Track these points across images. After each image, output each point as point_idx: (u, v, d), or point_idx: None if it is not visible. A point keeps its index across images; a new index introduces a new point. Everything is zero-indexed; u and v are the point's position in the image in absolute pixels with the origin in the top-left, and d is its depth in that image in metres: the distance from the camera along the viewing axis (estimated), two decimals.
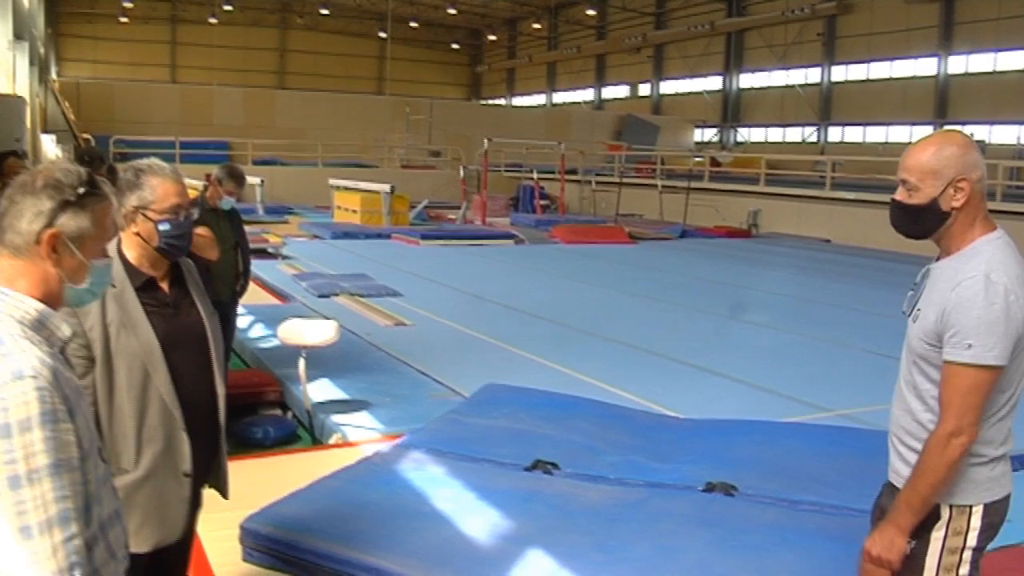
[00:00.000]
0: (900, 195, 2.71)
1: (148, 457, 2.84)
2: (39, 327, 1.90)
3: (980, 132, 36.41)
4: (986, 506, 2.66)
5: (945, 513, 2.66)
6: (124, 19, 60.00)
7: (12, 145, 10.23)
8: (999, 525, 2.71)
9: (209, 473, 3.14)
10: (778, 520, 4.40)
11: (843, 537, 4.25)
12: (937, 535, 2.67)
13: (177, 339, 2.94)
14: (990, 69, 37.88)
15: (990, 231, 2.65)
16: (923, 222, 2.68)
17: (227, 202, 6.38)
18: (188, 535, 3.08)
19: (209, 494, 3.21)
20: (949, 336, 2.55)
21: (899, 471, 2.78)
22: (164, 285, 3.01)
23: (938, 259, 2.75)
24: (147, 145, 29.08)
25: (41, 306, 1.92)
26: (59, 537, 1.74)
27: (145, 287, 2.94)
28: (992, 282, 2.52)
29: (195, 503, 3.07)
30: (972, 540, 2.67)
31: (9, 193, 1.93)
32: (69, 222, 1.93)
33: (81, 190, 1.96)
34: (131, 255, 2.96)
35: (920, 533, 2.67)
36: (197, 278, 3.17)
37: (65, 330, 1.96)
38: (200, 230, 6.14)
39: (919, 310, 2.71)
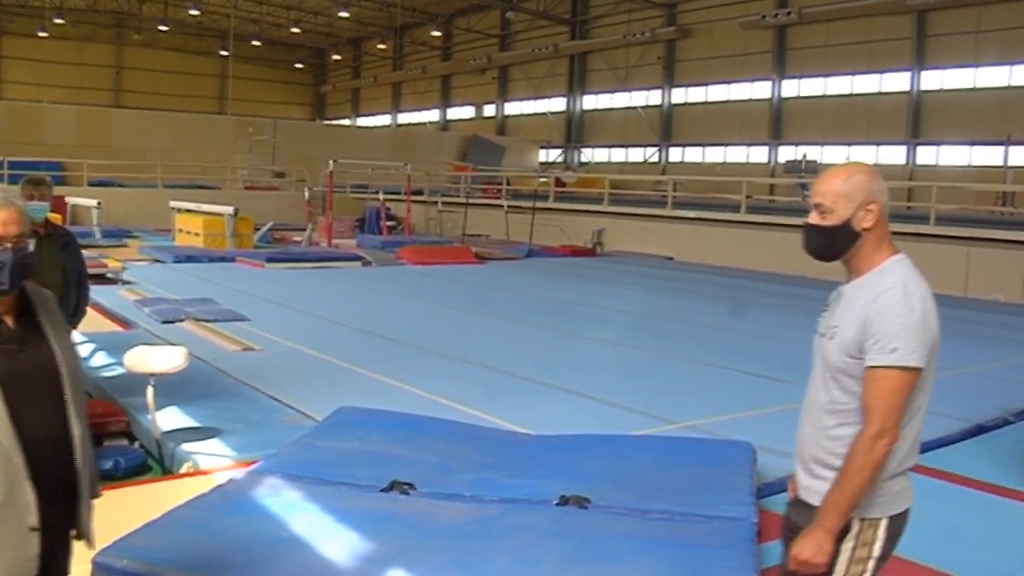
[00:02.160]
0: (813, 219, 2.90)
1: None
2: None
3: (812, 152, 38.15)
4: (891, 519, 2.87)
5: (855, 526, 2.85)
6: None
7: None
8: (900, 536, 2.92)
9: (70, 522, 2.88)
10: (631, 529, 4.55)
11: (692, 542, 4.44)
12: (847, 546, 2.86)
13: (21, 377, 2.71)
14: (820, 93, 39.73)
15: (896, 252, 2.89)
16: (837, 242, 2.88)
17: (35, 208, 5.71)
18: None
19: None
20: (872, 343, 2.74)
21: (811, 487, 2.95)
22: (8, 319, 2.80)
23: (848, 280, 2.94)
24: None
25: None
26: None
27: None
28: (910, 292, 2.75)
29: (56, 556, 2.83)
30: (877, 550, 2.87)
31: None
32: None
33: None
34: None
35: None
36: (53, 310, 2.96)
37: None
38: None
39: (835, 327, 2.88)
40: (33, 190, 5.89)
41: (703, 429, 7.18)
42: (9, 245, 2.75)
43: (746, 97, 42.83)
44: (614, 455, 5.75)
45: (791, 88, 41.04)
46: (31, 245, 2.85)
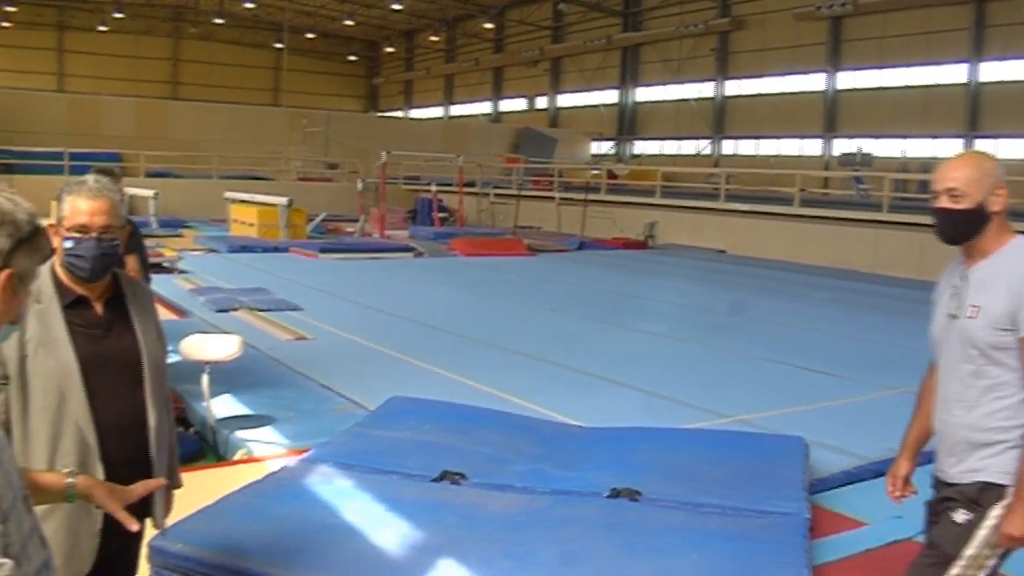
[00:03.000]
0: (945, 203, 3.02)
1: None
2: None
3: (867, 145, 37.68)
4: None
5: (1009, 494, 2.90)
6: (6, 24, 58.13)
7: None
8: None
9: (144, 507, 2.90)
10: (682, 523, 4.53)
11: (744, 537, 4.41)
12: (996, 512, 2.92)
13: (102, 362, 2.80)
14: (875, 85, 39.19)
15: (1017, 234, 3.04)
16: (969, 224, 3.01)
17: None
18: (107, 569, 2.87)
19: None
20: None
21: (975, 467, 3.02)
22: (97, 306, 2.87)
23: (968, 263, 3.08)
24: (34, 156, 28.36)
25: None
26: None
27: (75, 306, 2.82)
28: None
29: (128, 539, 2.82)
30: None
31: None
32: (21, 260, 1.79)
33: (32, 226, 1.82)
34: (62, 272, 2.84)
35: (977, 508, 2.95)
36: (144, 299, 3.04)
37: None
38: (127, 260, 5.90)
39: (976, 306, 2.99)
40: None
41: (754, 423, 7.13)
42: (94, 235, 2.81)
43: (800, 89, 42.36)
44: (665, 448, 5.73)
45: (846, 80, 40.50)
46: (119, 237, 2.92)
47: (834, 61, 40.44)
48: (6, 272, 1.76)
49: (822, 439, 6.39)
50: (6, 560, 1.68)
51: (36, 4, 57.87)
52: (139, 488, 2.50)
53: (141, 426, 2.90)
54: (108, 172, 6.18)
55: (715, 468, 5.36)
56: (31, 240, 1.81)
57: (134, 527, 2.39)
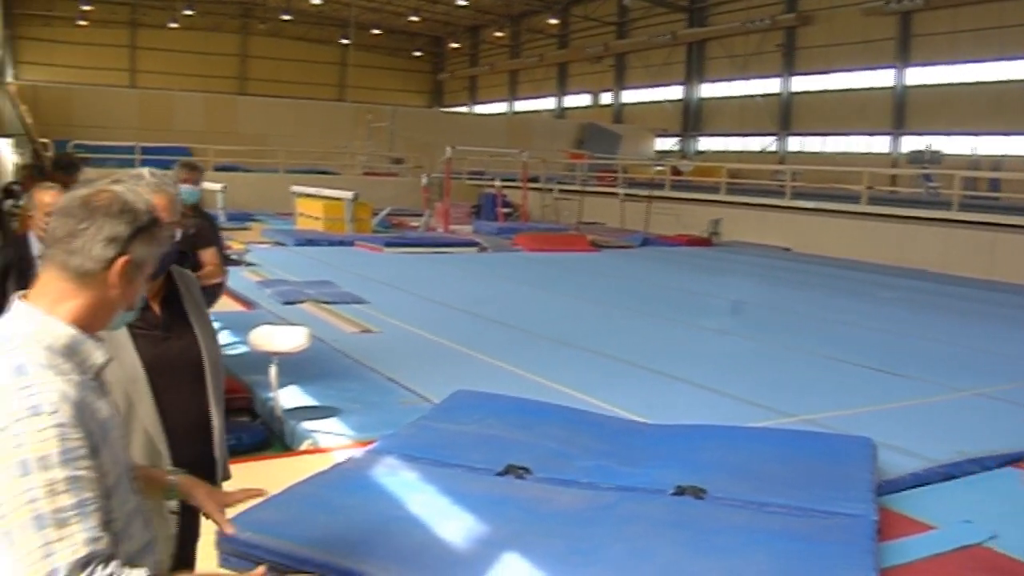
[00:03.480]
0: None
1: None
2: (70, 354, 1.82)
3: (936, 143, 36.99)
4: None
5: None
6: (82, 22, 59.38)
7: None
8: None
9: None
10: (747, 522, 4.50)
11: (809, 537, 4.37)
12: None
13: (166, 365, 2.78)
14: (945, 81, 38.46)
15: None
16: None
17: (188, 192, 5.96)
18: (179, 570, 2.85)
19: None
20: None
21: None
22: (155, 305, 2.84)
23: None
24: (107, 150, 28.86)
25: (73, 331, 1.84)
26: None
27: None
28: None
29: (187, 538, 2.89)
30: None
31: (71, 213, 1.85)
32: (139, 248, 1.88)
33: (149, 216, 1.91)
34: None
35: None
36: (197, 296, 3.01)
37: (99, 356, 1.89)
38: (206, 254, 5.99)
39: None
40: (188, 174, 6.13)
41: (821, 423, 7.05)
42: None
43: (868, 85, 41.70)
44: (731, 446, 5.69)
45: (915, 76, 39.75)
46: (179, 234, 2.93)
47: (903, 56, 39.72)
48: (124, 258, 1.85)
49: (889, 440, 6.30)
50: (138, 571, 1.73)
51: (110, 3, 59.00)
52: (238, 494, 2.52)
53: (205, 426, 2.90)
54: (193, 167, 6.33)
55: (781, 467, 5.31)
56: (149, 229, 1.89)
57: (229, 530, 2.43)
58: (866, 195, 22.46)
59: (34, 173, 9.48)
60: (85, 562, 1.66)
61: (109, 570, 1.68)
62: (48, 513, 1.64)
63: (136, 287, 1.92)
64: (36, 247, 4.70)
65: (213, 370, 2.92)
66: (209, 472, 2.88)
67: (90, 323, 1.88)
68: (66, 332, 1.83)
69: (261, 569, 2.11)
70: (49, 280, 1.86)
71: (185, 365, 2.85)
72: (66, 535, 1.65)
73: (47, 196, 4.67)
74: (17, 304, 1.87)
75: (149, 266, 1.93)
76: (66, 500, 1.66)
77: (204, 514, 2.49)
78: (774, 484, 5.01)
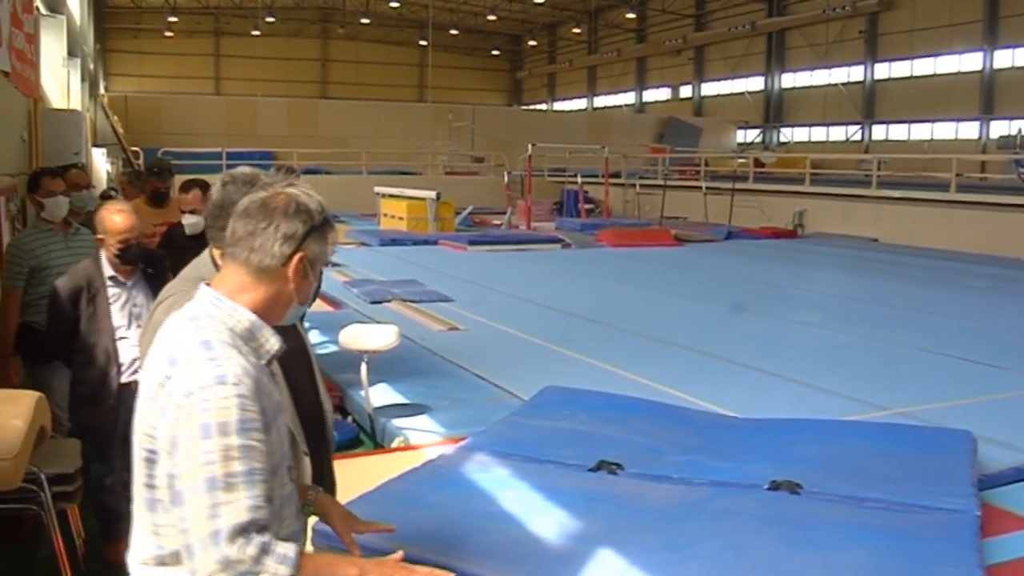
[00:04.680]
0: None
1: None
2: (248, 338, 1.98)
3: None
4: None
5: None
6: (169, 33, 60.81)
7: (72, 158, 10.42)
8: None
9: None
10: (845, 517, 4.41)
11: (910, 533, 4.27)
12: None
13: (289, 357, 2.73)
14: None
15: None
16: None
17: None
18: None
19: None
20: None
21: None
22: None
23: None
24: (195, 156, 29.51)
25: (254, 317, 2.00)
26: (249, 546, 1.78)
27: None
28: None
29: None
30: None
31: (252, 215, 2.01)
32: (312, 246, 2.04)
33: (322, 216, 2.08)
34: None
35: None
36: None
37: (274, 343, 2.04)
38: None
39: None
40: (286, 178, 6.20)
41: (917, 416, 6.89)
42: None
43: (954, 70, 40.76)
44: (825, 440, 5.59)
45: (1004, 59, 38.70)
46: None
47: (991, 39, 38.74)
48: (299, 255, 2.02)
49: (988, 434, 6.13)
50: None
51: (195, 13, 60.30)
52: (370, 526, 2.71)
53: (320, 414, 3.00)
54: (291, 170, 6.42)
55: (878, 461, 5.20)
56: (321, 228, 2.08)
57: (356, 553, 2.51)
58: (955, 183, 21.96)
59: (132, 179, 9.74)
60: (245, 527, 1.78)
61: (265, 538, 1.80)
62: (220, 476, 1.77)
63: (309, 283, 2.08)
64: (108, 269, 4.78)
65: (318, 362, 3.06)
66: (326, 461, 3.03)
67: (267, 314, 2.04)
68: (247, 317, 2.00)
69: (399, 553, 2.25)
70: (231, 273, 2.03)
71: (300, 357, 2.94)
72: (233, 499, 1.78)
73: (117, 218, 4.67)
74: (204, 289, 2.03)
75: (321, 263, 2.11)
76: (237, 466, 1.79)
77: (335, 532, 2.62)
78: (871, 479, 4.91)
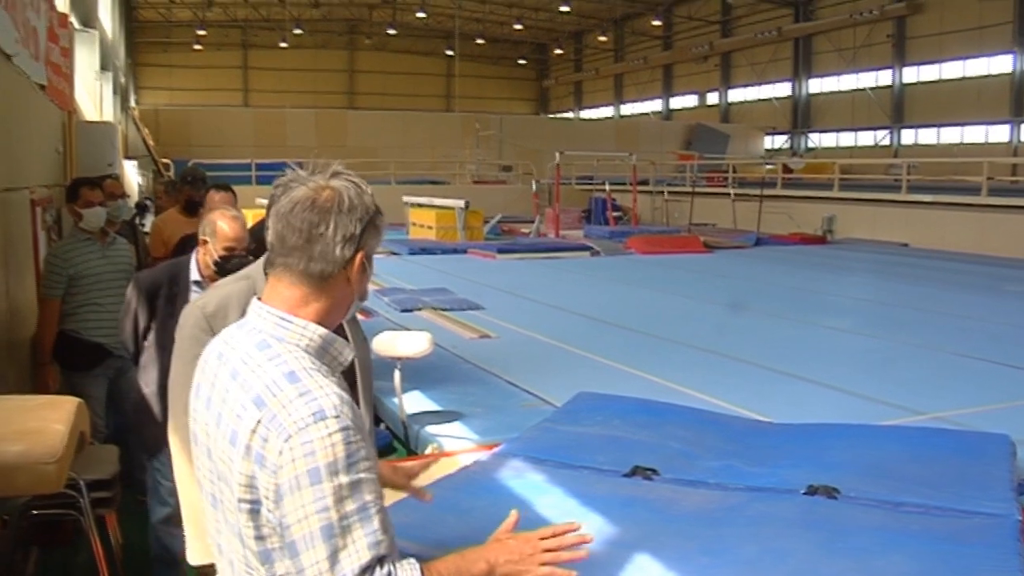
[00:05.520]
0: None
1: None
2: (322, 354, 1.84)
3: None
4: None
5: None
6: (198, 47, 61.37)
7: (105, 169, 10.56)
8: None
9: None
10: (883, 522, 4.38)
11: (949, 538, 4.23)
12: None
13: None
14: None
15: None
16: None
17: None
18: None
19: None
20: None
21: None
22: None
23: None
24: (224, 168, 29.68)
25: (324, 331, 1.86)
26: None
27: None
28: None
29: None
30: None
31: (301, 219, 1.85)
32: (370, 240, 1.89)
33: (373, 207, 1.91)
34: None
35: None
36: None
37: (347, 355, 1.92)
38: None
39: None
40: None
41: (953, 420, 6.85)
42: None
43: (984, 73, 40.43)
44: (861, 445, 5.56)
45: None
46: None
47: (1021, 41, 38.39)
48: (360, 254, 1.88)
49: None
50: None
51: (223, 26, 60.79)
52: (417, 466, 2.77)
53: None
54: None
55: (915, 466, 5.17)
56: (373, 220, 1.91)
57: (427, 497, 2.72)
58: (986, 186, 21.75)
59: (168, 189, 9.88)
60: (367, 567, 1.69)
61: (387, 569, 1.72)
62: (336, 521, 1.67)
63: (367, 277, 1.94)
64: (194, 272, 4.51)
65: (363, 373, 3.00)
66: None
67: (331, 321, 1.91)
68: (318, 332, 1.85)
69: (514, 516, 2.20)
70: (286, 286, 1.88)
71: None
72: (351, 542, 1.68)
73: (228, 224, 4.40)
74: (260, 308, 1.90)
75: (373, 255, 1.95)
76: (350, 506, 1.68)
77: (395, 487, 2.60)
78: (909, 483, 4.87)
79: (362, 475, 1.70)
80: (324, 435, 1.67)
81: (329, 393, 1.72)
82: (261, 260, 3.18)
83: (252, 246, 4.19)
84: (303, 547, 1.67)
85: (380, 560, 1.71)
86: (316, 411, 1.69)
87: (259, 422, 1.72)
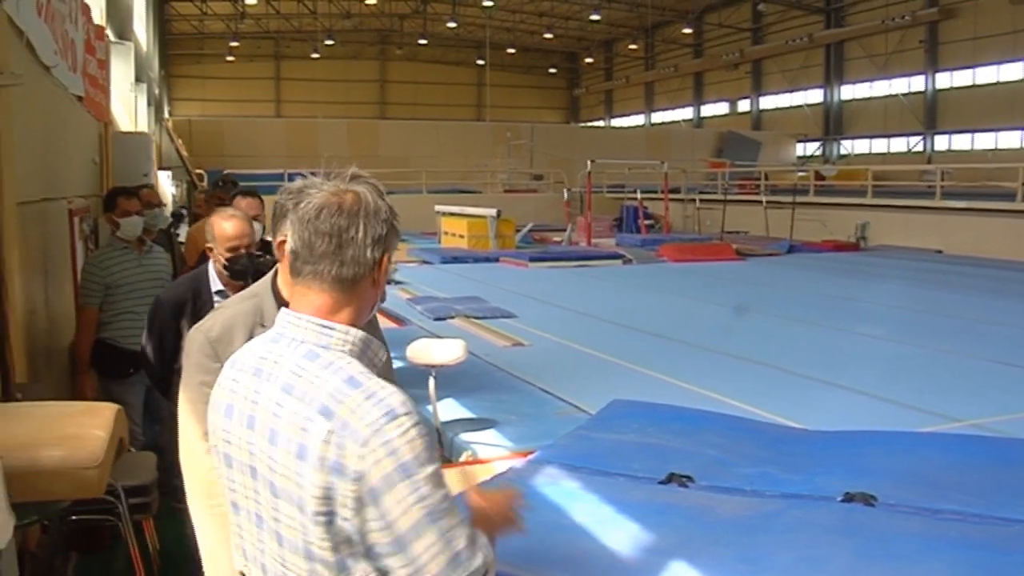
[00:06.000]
0: None
1: None
2: (363, 356, 1.87)
3: None
4: None
5: None
6: (231, 58, 61.92)
7: (141, 179, 10.69)
8: None
9: None
10: (921, 529, 4.36)
11: (988, 546, 4.20)
12: None
13: None
14: None
15: None
16: None
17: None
18: None
19: None
20: None
21: None
22: None
23: None
24: (257, 178, 29.89)
25: (362, 333, 1.89)
26: (477, 550, 1.81)
27: None
28: None
29: None
30: None
31: (329, 223, 1.87)
32: (392, 241, 1.94)
33: (391, 208, 1.96)
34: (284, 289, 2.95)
35: None
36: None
37: (383, 354, 1.95)
38: None
39: None
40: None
41: (990, 428, 6.78)
42: None
43: (1018, 78, 40.05)
44: (898, 452, 5.53)
45: None
46: None
47: None
48: (385, 256, 1.94)
49: None
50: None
51: (255, 38, 61.29)
52: None
53: None
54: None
55: (954, 473, 5.13)
56: (392, 221, 1.96)
57: None
58: (1021, 192, 21.52)
59: (208, 198, 10.01)
60: (472, 539, 1.80)
61: (481, 540, 1.83)
62: (435, 506, 1.74)
63: (386, 276, 1.99)
64: (215, 283, 4.35)
65: (387, 376, 2.99)
66: None
67: (361, 322, 1.94)
68: (356, 335, 1.89)
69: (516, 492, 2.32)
70: (317, 293, 1.90)
71: None
72: (456, 523, 1.78)
73: (227, 224, 4.27)
74: (295, 318, 1.90)
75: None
76: (441, 491, 1.77)
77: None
78: (947, 490, 4.84)
79: (438, 463, 1.80)
80: (401, 432, 1.72)
81: (392, 392, 1.77)
82: (268, 276, 3.17)
83: (260, 242, 4.13)
84: (412, 537, 1.73)
85: (476, 533, 1.83)
86: (387, 411, 1.73)
87: (331, 432, 1.73)
